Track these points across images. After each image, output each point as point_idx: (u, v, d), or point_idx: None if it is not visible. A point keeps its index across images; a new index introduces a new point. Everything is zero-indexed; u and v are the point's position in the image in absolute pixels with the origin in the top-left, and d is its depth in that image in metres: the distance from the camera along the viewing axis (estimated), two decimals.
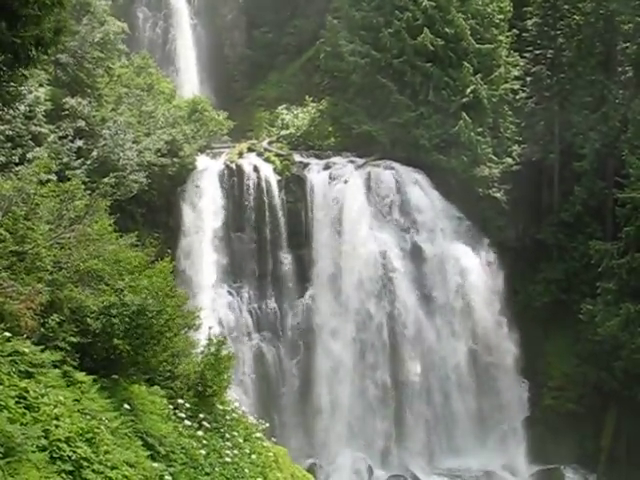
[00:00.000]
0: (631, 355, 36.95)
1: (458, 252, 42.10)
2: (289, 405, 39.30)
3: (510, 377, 41.89)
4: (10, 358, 11.56)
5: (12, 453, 9.01)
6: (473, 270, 42.01)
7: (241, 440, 17.37)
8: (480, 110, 44.12)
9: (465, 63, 43.96)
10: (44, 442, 9.97)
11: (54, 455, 10.00)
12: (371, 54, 44.51)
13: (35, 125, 24.52)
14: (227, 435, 16.62)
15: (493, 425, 41.23)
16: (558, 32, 44.33)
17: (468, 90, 43.65)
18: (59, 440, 10.23)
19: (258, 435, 19.13)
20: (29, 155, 22.85)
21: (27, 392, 10.89)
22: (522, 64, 46.72)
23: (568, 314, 40.50)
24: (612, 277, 38.81)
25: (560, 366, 41.75)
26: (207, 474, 14.12)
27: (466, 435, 40.83)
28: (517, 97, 46.33)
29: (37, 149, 23.91)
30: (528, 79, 46.26)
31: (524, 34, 46.13)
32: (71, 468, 10.00)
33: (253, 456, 17.15)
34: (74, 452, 10.24)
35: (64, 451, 10.15)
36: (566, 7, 44.32)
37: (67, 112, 28.00)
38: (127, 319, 14.41)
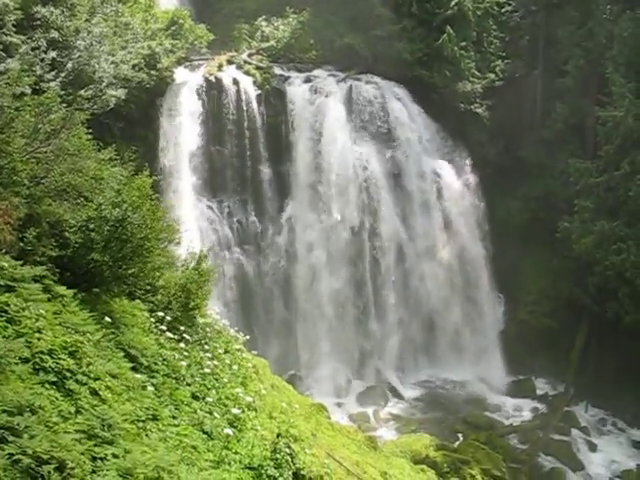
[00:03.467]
0: (604, 272, 37.72)
1: (438, 167, 42.26)
2: (269, 318, 39.90)
3: (486, 291, 42.76)
4: None
5: None
6: (452, 185, 42.27)
7: (222, 352, 17.76)
8: (464, 24, 43.32)
9: None
10: (27, 354, 10.15)
11: (37, 367, 10.20)
12: None
13: (5, 35, 23.74)
14: (207, 347, 16.96)
15: (469, 338, 42.31)
16: None
17: (452, 3, 42.72)
18: (42, 352, 10.42)
19: (238, 347, 19.55)
20: (0, 67, 22.24)
21: (8, 306, 11.00)
22: None
23: (545, 231, 41.00)
24: (589, 195, 39.15)
25: (536, 282, 42.59)
26: (188, 385, 14.48)
27: (442, 347, 41.95)
28: (502, 11, 45.54)
29: (9, 60, 23.24)
30: None
31: None
32: (54, 379, 10.21)
33: (234, 367, 17.57)
34: (57, 364, 10.44)
35: (47, 362, 10.35)
36: None
37: (39, 22, 27.07)
38: (106, 232, 14.43)
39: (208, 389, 14.95)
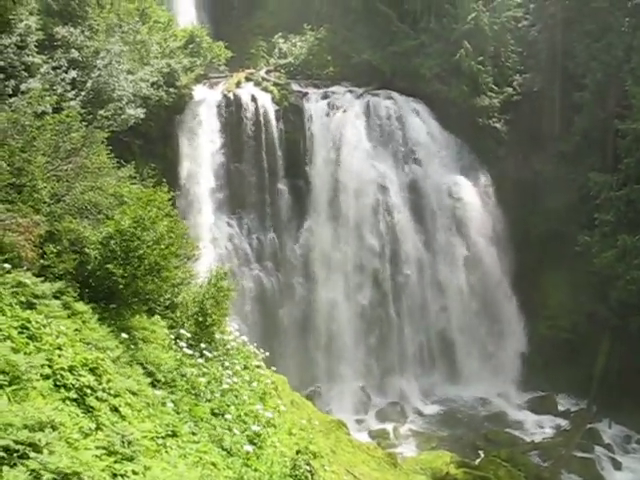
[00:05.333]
0: (626, 286, 37.32)
1: (456, 181, 42.14)
2: (289, 335, 39.85)
3: (506, 306, 42.43)
4: (12, 289, 11.70)
5: (17, 381, 9.22)
6: (471, 199, 42.10)
7: (241, 368, 17.72)
8: (481, 38, 43.36)
9: None
10: (48, 371, 10.20)
11: (58, 383, 10.24)
12: None
13: (27, 55, 24.07)
14: (227, 363, 16.92)
15: (489, 354, 41.97)
16: None
17: (469, 18, 42.82)
18: (63, 369, 10.46)
19: (258, 363, 19.49)
20: (23, 86, 22.51)
21: (29, 322, 11.08)
22: None
23: (565, 245, 40.68)
24: (610, 209, 38.85)
25: (556, 296, 42.20)
26: (208, 401, 14.45)
27: (462, 363, 41.63)
28: (519, 25, 45.46)
29: (30, 80, 23.54)
30: (531, 6, 45.34)
31: None
32: (75, 396, 10.25)
33: (253, 383, 17.51)
34: (77, 380, 10.48)
35: (68, 379, 10.38)
36: None
37: (59, 42, 27.46)
38: (124, 248, 14.51)
39: (227, 405, 14.91)
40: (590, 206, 40.12)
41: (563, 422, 38.73)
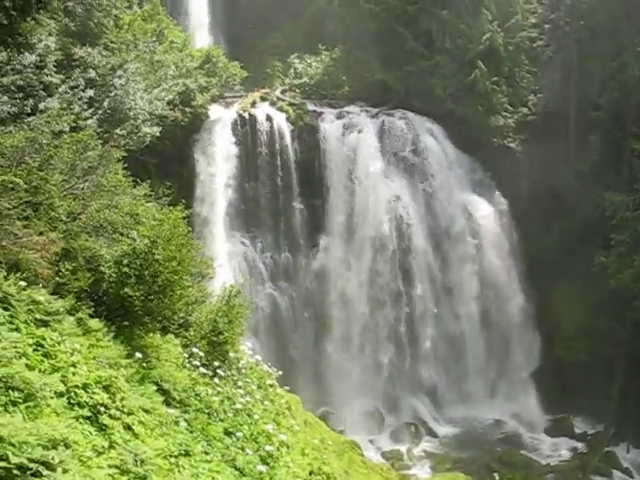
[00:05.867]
0: None
1: (471, 201, 42.03)
2: (302, 354, 39.73)
3: (521, 327, 42.12)
4: (27, 307, 11.75)
5: (31, 399, 9.24)
6: (486, 219, 41.98)
7: (254, 387, 17.66)
8: (496, 59, 43.46)
9: (482, 10, 43.14)
10: (62, 388, 10.20)
11: (72, 401, 10.24)
12: (386, 1, 43.70)
13: (46, 75, 24.35)
14: (240, 383, 16.88)
15: (504, 375, 41.62)
16: None
17: (484, 38, 42.96)
18: (77, 386, 10.46)
19: (271, 382, 19.43)
20: (41, 105, 22.76)
21: (44, 340, 11.11)
22: (540, 11, 45.78)
23: (581, 265, 40.36)
24: (626, 229, 38.57)
25: (571, 317, 41.81)
26: (221, 420, 14.40)
27: (477, 384, 41.28)
28: (534, 45, 45.51)
29: (49, 99, 23.80)
30: (546, 27, 45.37)
31: None
32: (89, 414, 10.24)
33: (267, 402, 17.45)
34: (91, 398, 10.48)
35: (81, 397, 10.39)
36: None
37: (77, 62, 27.81)
38: (138, 267, 14.55)
39: (240, 425, 14.86)
40: (606, 226, 39.84)
41: (580, 445, 38.27)
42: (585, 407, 39.52)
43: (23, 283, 12.05)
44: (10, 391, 9.03)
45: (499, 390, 41.33)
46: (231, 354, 18.00)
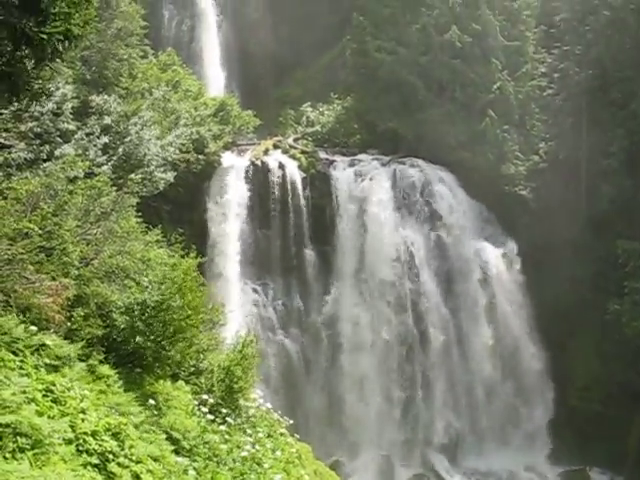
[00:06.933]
0: None
1: (483, 249, 41.92)
2: (313, 402, 39.31)
3: (534, 376, 41.56)
4: (37, 352, 11.72)
5: (39, 445, 9.14)
6: (497, 267, 41.81)
7: (264, 436, 17.42)
8: (506, 107, 43.83)
9: (492, 60, 43.68)
10: (71, 435, 10.09)
11: (80, 448, 10.11)
12: (397, 50, 44.40)
13: (63, 122, 24.75)
14: (249, 431, 16.67)
15: (517, 425, 40.93)
16: (587, 27, 43.80)
17: (494, 87, 43.41)
18: (85, 433, 10.35)
19: (282, 431, 19.17)
20: (57, 152, 23.09)
21: (54, 385, 11.04)
22: (549, 60, 46.27)
23: (594, 313, 40.02)
24: None
25: (586, 366, 41.27)
26: (230, 469, 14.18)
27: (490, 434, 40.60)
28: (544, 94, 45.88)
29: (64, 146, 24.15)
30: (555, 76, 45.78)
31: (552, 30, 45.68)
32: (97, 461, 10.10)
33: (277, 452, 17.19)
34: (100, 445, 10.35)
35: (90, 444, 10.26)
36: (595, 2, 43.74)
37: (93, 109, 28.29)
38: (148, 315, 14.53)
39: (249, 474, 14.62)
40: (619, 273, 39.59)
41: None
42: (602, 459, 38.68)
43: (34, 328, 12.04)
44: (18, 437, 8.95)
45: (513, 440, 40.58)
46: (242, 402, 17.82)
